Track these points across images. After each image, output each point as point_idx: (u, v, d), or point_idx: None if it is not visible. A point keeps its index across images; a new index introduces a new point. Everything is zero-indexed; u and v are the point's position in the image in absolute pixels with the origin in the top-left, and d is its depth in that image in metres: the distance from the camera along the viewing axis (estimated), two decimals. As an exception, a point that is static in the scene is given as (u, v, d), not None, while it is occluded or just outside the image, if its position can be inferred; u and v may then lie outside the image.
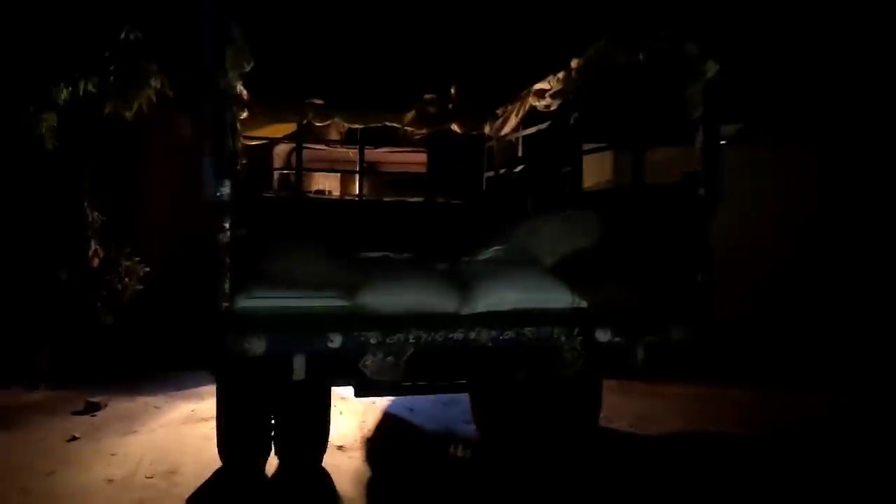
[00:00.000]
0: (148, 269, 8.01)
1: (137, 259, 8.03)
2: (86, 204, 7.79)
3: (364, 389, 4.44)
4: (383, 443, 5.70)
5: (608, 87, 5.08)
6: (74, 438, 5.52)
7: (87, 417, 6.13)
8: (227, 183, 3.58)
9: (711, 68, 3.98)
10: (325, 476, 4.88)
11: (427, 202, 7.43)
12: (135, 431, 5.80)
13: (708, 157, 4.01)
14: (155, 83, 7.20)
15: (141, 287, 7.98)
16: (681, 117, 4.17)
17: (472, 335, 3.86)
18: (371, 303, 3.94)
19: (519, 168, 6.65)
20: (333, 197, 7.82)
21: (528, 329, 3.90)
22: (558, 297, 4.12)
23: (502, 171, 7.09)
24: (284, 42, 6.70)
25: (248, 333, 3.61)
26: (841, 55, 7.58)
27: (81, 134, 7.57)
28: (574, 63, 5.30)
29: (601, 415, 5.38)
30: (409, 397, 6.42)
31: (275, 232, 5.29)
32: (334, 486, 4.74)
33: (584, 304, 4.12)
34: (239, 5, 5.63)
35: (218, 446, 4.80)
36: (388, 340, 3.75)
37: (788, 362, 7.72)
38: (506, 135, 6.96)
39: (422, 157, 8.72)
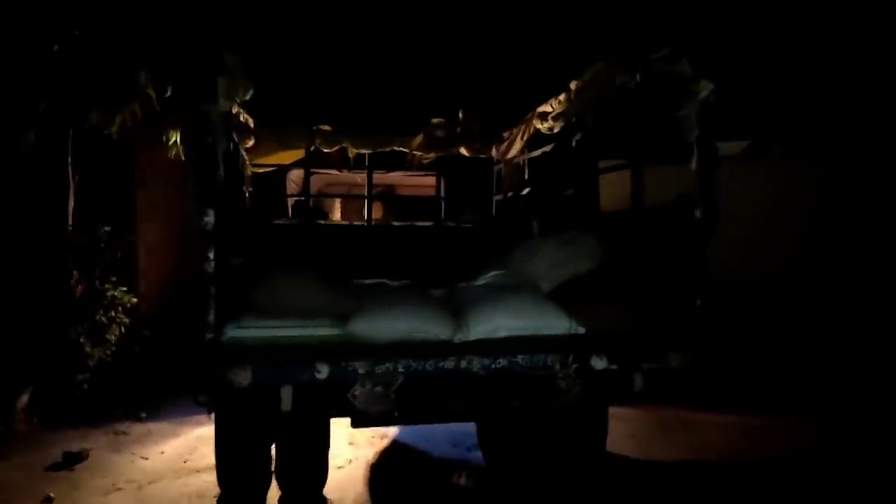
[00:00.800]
0: (135, 300, 7.83)
1: (125, 289, 7.81)
2: (69, 226, 7.37)
3: (360, 420, 4.37)
4: (388, 468, 5.63)
5: (607, 109, 4.98)
6: (49, 500, 5.05)
7: (64, 472, 5.57)
8: (211, 212, 3.56)
9: (705, 88, 3.89)
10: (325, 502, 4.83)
11: (436, 226, 7.40)
12: (119, 489, 5.30)
13: (704, 178, 3.92)
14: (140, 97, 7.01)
15: (128, 320, 7.72)
16: (678, 137, 4.08)
17: (464, 364, 3.78)
18: (360, 331, 3.88)
19: (525, 191, 6.58)
20: (342, 222, 7.76)
21: (522, 357, 3.82)
22: (554, 324, 4.03)
23: (510, 193, 7.02)
24: (292, 69, 6.78)
25: (233, 364, 3.57)
26: (845, 63, 7.42)
27: (64, 150, 7.27)
28: (573, 85, 5.22)
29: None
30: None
31: (280, 258, 5.30)
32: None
33: (580, 330, 4.02)
34: (235, 34, 5.71)
35: (217, 475, 4.76)
36: (377, 370, 3.69)
37: (796, 384, 7.48)
38: (512, 157, 6.90)
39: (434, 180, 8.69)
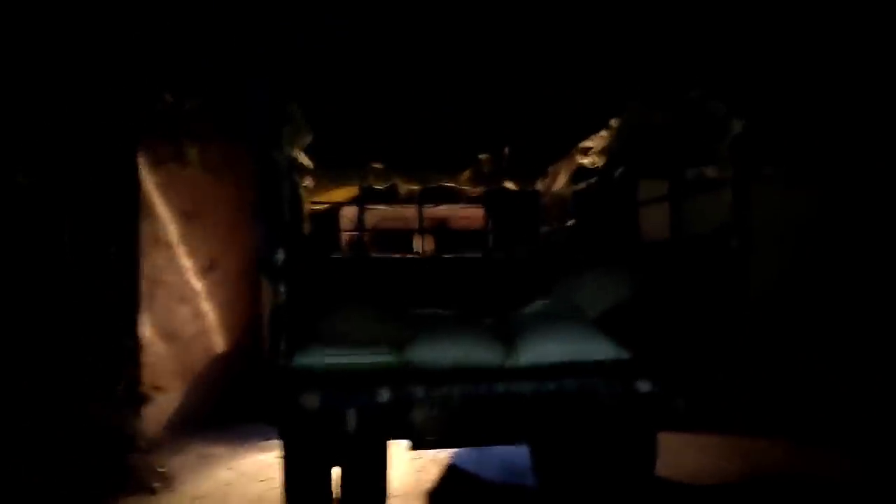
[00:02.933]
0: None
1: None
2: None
3: (419, 443, 4.64)
4: (444, 493, 5.88)
5: (646, 145, 5.25)
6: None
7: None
8: (281, 251, 3.92)
9: (737, 125, 4.14)
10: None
11: (485, 258, 7.67)
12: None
13: (738, 209, 4.14)
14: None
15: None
16: (712, 170, 4.33)
17: (514, 388, 4.04)
18: (417, 358, 4.19)
19: (570, 223, 6.84)
20: (394, 255, 8.09)
21: (569, 381, 4.06)
22: (599, 349, 4.27)
23: (555, 225, 7.29)
24: (346, 112, 7.18)
25: (303, 389, 3.89)
26: (834, 83, 7.45)
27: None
28: (613, 122, 5.50)
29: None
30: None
31: (337, 291, 5.64)
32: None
33: (624, 355, 4.25)
34: (297, 86, 6.15)
35: (285, 498, 5.07)
36: (433, 394, 3.97)
37: (818, 411, 7.51)
38: (557, 191, 7.17)
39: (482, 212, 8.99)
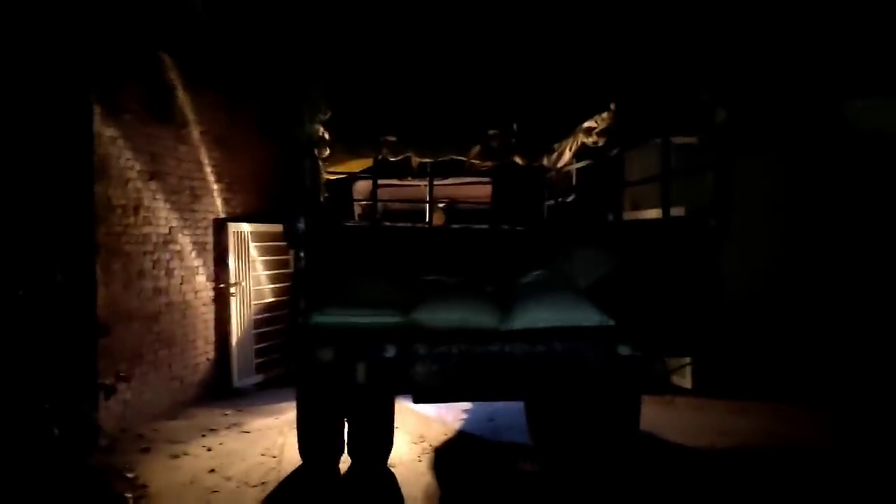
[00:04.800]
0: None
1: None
2: None
3: (421, 397, 5.10)
4: (444, 447, 6.36)
5: (641, 129, 5.61)
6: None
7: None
8: (303, 220, 4.35)
9: (721, 114, 4.49)
10: (391, 475, 5.60)
11: (491, 229, 8.05)
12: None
13: (719, 192, 4.51)
14: None
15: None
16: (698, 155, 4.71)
17: (508, 349, 4.48)
18: (421, 319, 4.63)
19: (571, 198, 7.22)
20: (405, 224, 8.48)
21: (557, 344, 4.49)
22: (586, 317, 4.69)
23: (560, 200, 7.66)
24: (363, 87, 7.54)
25: (319, 344, 4.35)
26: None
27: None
28: (612, 105, 5.86)
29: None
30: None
31: (352, 256, 6.05)
32: (398, 484, 5.44)
33: (609, 322, 4.66)
34: (320, 68, 6.52)
35: (299, 447, 5.57)
36: (434, 351, 4.42)
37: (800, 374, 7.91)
38: (562, 167, 7.54)
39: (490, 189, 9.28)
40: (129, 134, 6.79)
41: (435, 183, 8.43)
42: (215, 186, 8.64)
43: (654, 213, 5.79)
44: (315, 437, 5.49)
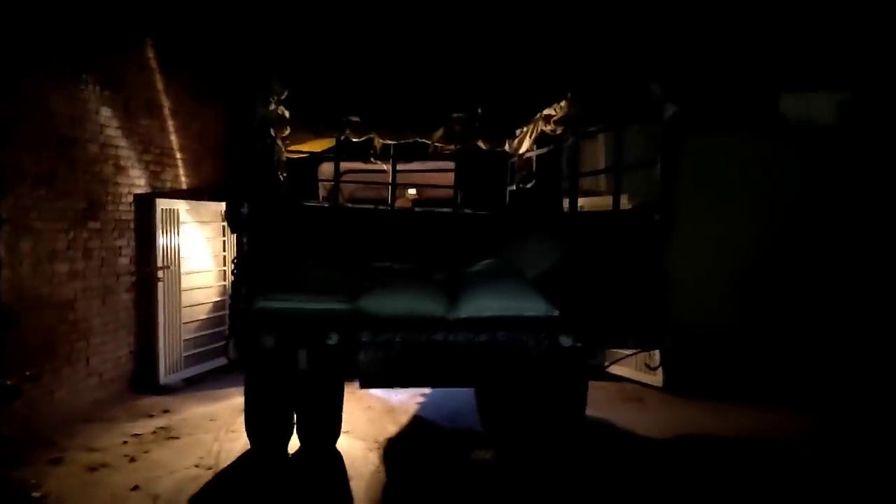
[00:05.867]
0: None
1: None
2: None
3: (366, 382, 5.13)
4: (397, 434, 6.38)
5: (595, 118, 5.63)
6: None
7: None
8: (246, 205, 4.32)
9: (670, 109, 4.52)
10: (338, 457, 5.59)
11: (452, 213, 8.04)
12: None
13: (665, 186, 4.55)
14: None
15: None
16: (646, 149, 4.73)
17: (451, 337, 4.50)
18: (368, 307, 4.63)
19: (531, 184, 7.24)
20: (367, 206, 8.42)
21: (500, 333, 4.52)
22: (532, 307, 4.72)
23: (521, 186, 7.68)
24: (325, 66, 7.48)
25: (261, 330, 4.35)
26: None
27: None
28: (569, 95, 5.86)
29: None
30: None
31: (304, 237, 6.01)
32: (345, 467, 5.43)
33: (554, 313, 4.70)
34: (275, 45, 6.42)
35: (246, 430, 5.56)
36: (378, 339, 4.43)
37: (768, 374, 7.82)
38: (523, 153, 7.54)
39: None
40: (41, 93, 6.00)
41: (400, 168, 8.40)
42: (143, 157, 7.73)
43: (600, 200, 5.82)
44: (263, 421, 5.49)
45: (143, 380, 7.53)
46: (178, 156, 8.47)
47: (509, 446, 5.79)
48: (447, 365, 4.60)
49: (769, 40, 7.63)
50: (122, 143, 7.30)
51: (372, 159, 8.45)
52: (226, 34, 7.90)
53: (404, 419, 6.73)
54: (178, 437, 6.02)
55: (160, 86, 8.04)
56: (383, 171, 8.71)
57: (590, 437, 6.03)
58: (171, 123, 8.29)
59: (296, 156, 7.91)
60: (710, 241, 7.26)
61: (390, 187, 8.41)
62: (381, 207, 8.51)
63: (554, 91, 6.47)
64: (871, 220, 7.60)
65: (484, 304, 4.72)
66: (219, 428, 6.26)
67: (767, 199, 7.43)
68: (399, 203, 9.37)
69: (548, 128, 6.61)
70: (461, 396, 7.02)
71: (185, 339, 8.05)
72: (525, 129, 7.35)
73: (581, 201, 6.40)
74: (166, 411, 6.79)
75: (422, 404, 7.19)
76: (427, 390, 7.46)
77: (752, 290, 7.52)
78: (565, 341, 4.55)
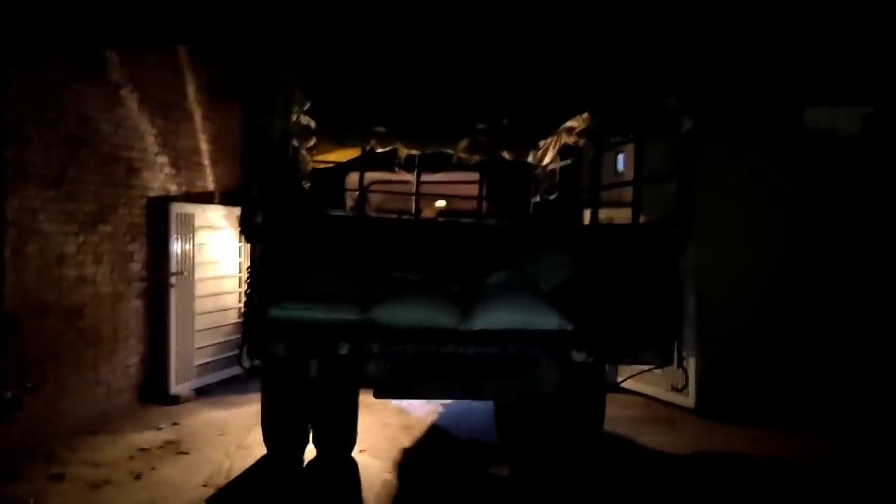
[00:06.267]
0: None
1: None
2: None
3: (381, 392, 5.13)
4: (413, 444, 6.38)
5: (616, 131, 5.59)
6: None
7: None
8: (260, 215, 4.36)
9: (687, 123, 4.47)
10: (354, 465, 5.61)
11: (477, 223, 8.02)
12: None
13: (681, 200, 4.49)
14: None
15: None
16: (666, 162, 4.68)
17: (462, 350, 4.48)
18: (380, 317, 4.63)
19: (554, 196, 7.20)
20: (391, 216, 8.44)
21: (511, 346, 4.50)
22: (545, 321, 4.67)
23: (544, 197, 7.65)
24: (351, 77, 7.54)
25: (274, 338, 4.38)
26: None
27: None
28: (590, 108, 5.84)
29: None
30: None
31: (325, 248, 6.03)
32: (360, 476, 5.43)
33: (567, 327, 4.65)
34: (298, 48, 6.46)
35: (263, 437, 5.60)
36: (388, 350, 4.44)
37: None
38: (546, 165, 7.52)
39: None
40: (51, 89, 5.78)
41: (425, 178, 8.43)
42: (158, 160, 7.49)
43: (623, 212, 5.77)
44: (278, 429, 5.52)
45: (152, 390, 7.30)
46: (194, 158, 8.30)
47: (525, 461, 5.74)
48: (459, 377, 4.58)
49: (794, 56, 7.57)
50: (136, 144, 7.08)
51: (396, 169, 8.51)
52: (245, 36, 7.86)
53: (421, 433, 6.69)
54: (186, 453, 5.79)
55: (177, 86, 7.90)
56: (408, 182, 8.76)
57: (609, 456, 5.93)
58: (187, 125, 8.11)
59: (321, 166, 7.99)
60: (739, 253, 7.19)
61: (414, 197, 8.44)
62: (404, 217, 8.53)
63: (577, 102, 6.45)
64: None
65: (497, 317, 4.68)
66: (229, 444, 6.04)
67: (793, 211, 7.33)
68: (426, 213, 9.40)
69: (570, 140, 6.59)
70: (481, 409, 6.96)
71: (198, 348, 7.83)
72: (548, 140, 7.32)
73: (606, 213, 6.38)
74: (175, 423, 6.60)
75: (441, 416, 7.16)
76: (447, 402, 7.46)
77: (780, 304, 7.36)
78: (577, 356, 4.51)
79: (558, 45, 6.52)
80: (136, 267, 7.14)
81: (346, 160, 8.72)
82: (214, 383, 8.01)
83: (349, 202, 9.90)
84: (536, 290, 5.01)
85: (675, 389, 6.46)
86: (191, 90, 8.13)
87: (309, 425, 5.61)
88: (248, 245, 4.56)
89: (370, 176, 8.78)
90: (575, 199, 6.59)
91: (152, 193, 7.37)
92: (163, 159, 7.59)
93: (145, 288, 7.28)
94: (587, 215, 6.26)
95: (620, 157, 6.90)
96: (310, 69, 6.60)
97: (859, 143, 7.29)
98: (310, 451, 5.67)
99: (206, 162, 8.54)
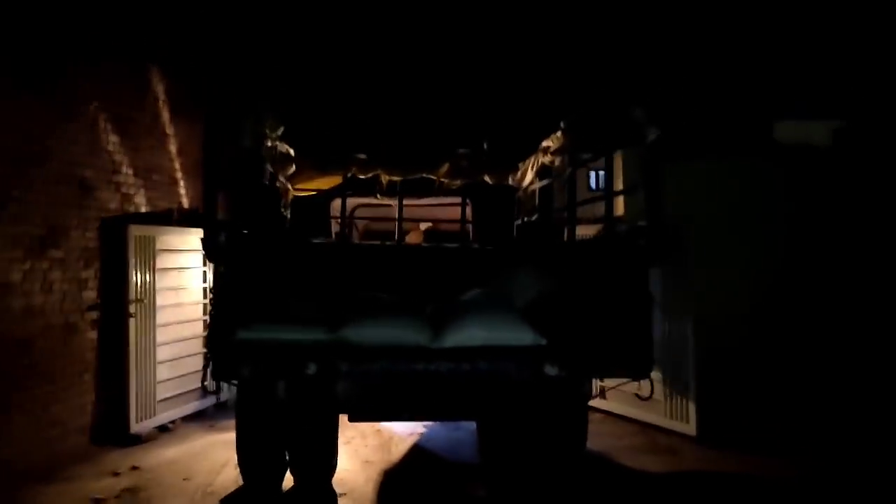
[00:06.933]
0: None
1: None
2: None
3: (354, 416, 5.05)
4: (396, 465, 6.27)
5: (588, 147, 5.58)
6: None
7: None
8: (224, 235, 4.33)
9: (652, 133, 4.45)
10: (333, 494, 5.48)
11: (462, 248, 7.98)
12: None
13: (650, 211, 4.46)
14: None
15: None
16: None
17: (433, 367, 4.41)
18: (350, 336, 4.57)
19: (534, 217, 7.17)
20: (375, 243, 8.40)
21: (483, 363, 4.42)
22: (518, 336, 4.62)
23: (525, 219, 7.61)
24: (331, 104, 7.58)
25: (240, 360, 4.32)
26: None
27: None
28: (562, 124, 5.83)
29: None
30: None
31: (312, 274, 5.99)
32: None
33: (542, 342, 4.59)
34: (273, 76, 6.50)
35: (239, 466, 5.49)
36: (357, 369, 4.37)
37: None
38: (527, 186, 7.50)
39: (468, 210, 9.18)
40: None
41: (414, 203, 8.40)
42: (115, 178, 7.01)
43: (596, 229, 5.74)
44: (254, 456, 5.42)
45: (110, 429, 6.76)
46: (155, 177, 7.76)
47: (504, 479, 5.64)
48: (431, 396, 4.51)
49: (765, 71, 7.65)
50: (91, 161, 6.62)
51: (378, 196, 8.49)
52: (213, 50, 7.74)
53: (402, 454, 6.58)
54: (147, 503, 5.41)
55: (137, 99, 7.47)
56: (394, 207, 8.73)
57: (600, 484, 5.81)
58: (147, 141, 7.62)
59: (302, 194, 7.98)
60: (731, 270, 7.12)
61: (396, 223, 8.40)
62: (387, 244, 8.49)
63: (552, 121, 6.45)
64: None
65: (470, 334, 4.63)
66: (194, 490, 5.60)
67: (779, 226, 7.26)
68: (412, 236, 9.37)
69: (546, 159, 6.58)
70: (465, 427, 6.88)
71: (160, 382, 7.30)
72: (527, 161, 7.31)
73: (587, 229, 6.35)
74: (135, 468, 6.08)
75: (422, 437, 7.01)
76: (428, 423, 7.35)
77: (775, 322, 7.20)
78: (550, 370, 4.44)
79: (532, 62, 6.56)
80: (91, 295, 6.65)
81: (329, 188, 8.70)
82: (179, 419, 7.54)
83: (335, 229, 9.88)
84: (510, 307, 4.96)
85: (639, 398, 6.24)
86: (152, 104, 7.70)
87: (285, 453, 5.51)
88: (213, 266, 4.51)
89: (356, 202, 8.78)
90: (550, 218, 6.54)
91: (108, 214, 6.88)
92: (120, 177, 7.14)
93: (101, 317, 6.77)
94: (566, 233, 6.20)
95: (592, 175, 6.91)
96: (287, 96, 6.64)
97: (833, 155, 7.28)
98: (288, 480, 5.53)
99: (169, 181, 8.02)
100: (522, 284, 5.11)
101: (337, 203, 9.69)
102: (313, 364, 4.34)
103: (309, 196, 8.28)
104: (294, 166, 7.26)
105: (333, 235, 9.92)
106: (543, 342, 4.61)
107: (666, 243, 4.54)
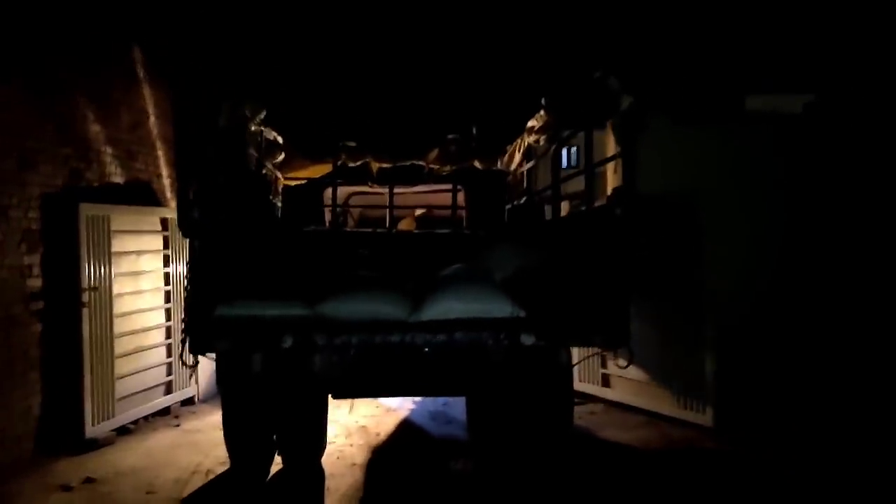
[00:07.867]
0: None
1: None
2: None
3: (339, 393, 5.05)
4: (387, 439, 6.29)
5: (568, 123, 5.57)
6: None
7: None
8: (197, 210, 4.33)
9: (626, 101, 4.43)
10: (321, 473, 5.50)
11: (453, 233, 7.97)
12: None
13: (626, 179, 4.44)
14: None
15: None
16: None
17: (408, 339, 4.41)
18: (328, 311, 4.58)
19: (523, 200, 7.16)
20: (366, 230, 8.40)
21: (459, 333, 4.42)
22: (497, 308, 4.60)
23: (515, 202, 7.61)
24: (321, 91, 7.61)
25: (218, 334, 4.33)
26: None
27: None
28: (543, 101, 5.82)
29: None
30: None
31: (302, 259, 5.99)
32: (328, 484, 5.32)
33: (520, 313, 4.58)
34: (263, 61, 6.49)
35: (227, 448, 5.49)
36: (333, 341, 4.37)
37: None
38: (515, 169, 7.49)
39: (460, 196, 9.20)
40: None
41: (400, 190, 8.39)
42: (62, 151, 6.15)
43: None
44: (242, 438, 5.42)
45: (61, 434, 5.94)
46: (110, 150, 6.84)
47: (490, 455, 5.63)
48: (411, 370, 4.50)
49: (737, 44, 7.62)
50: (31, 132, 5.79)
51: (370, 184, 8.50)
52: (187, 26, 7.30)
53: (391, 429, 6.62)
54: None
55: (86, 63, 6.59)
56: (384, 195, 8.74)
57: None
58: (100, 110, 6.71)
59: (293, 182, 8.00)
60: (741, 242, 6.97)
61: (388, 210, 8.41)
62: (377, 230, 8.49)
63: (535, 101, 6.44)
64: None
65: (449, 307, 4.62)
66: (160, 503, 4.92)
67: (781, 201, 7.20)
68: (405, 222, 9.38)
69: (531, 139, 6.57)
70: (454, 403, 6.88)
71: (119, 378, 6.54)
72: (514, 144, 7.31)
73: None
74: (90, 479, 5.27)
75: (412, 412, 7.05)
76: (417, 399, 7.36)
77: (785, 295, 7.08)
78: (527, 340, 4.43)
79: (513, 42, 6.57)
80: (36, 283, 5.83)
81: (319, 176, 8.71)
82: (141, 418, 6.80)
83: (328, 217, 9.91)
84: (488, 280, 4.95)
85: (618, 367, 5.94)
86: (101, 69, 6.82)
87: (273, 434, 5.52)
88: (187, 242, 4.50)
89: (349, 190, 8.79)
90: (533, 198, 6.53)
91: (54, 191, 6.03)
92: (68, 150, 6.25)
93: (48, 308, 5.95)
94: (549, 211, 6.19)
95: (564, 151, 6.85)
96: (275, 83, 6.66)
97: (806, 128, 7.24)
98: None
99: (125, 154, 7.07)
100: (501, 259, 5.09)
101: (328, 191, 9.74)
102: (289, 337, 4.34)
103: (301, 185, 8.30)
104: (282, 154, 7.28)
105: (327, 224, 9.96)
106: (521, 314, 4.60)
107: (648, 213, 4.47)
